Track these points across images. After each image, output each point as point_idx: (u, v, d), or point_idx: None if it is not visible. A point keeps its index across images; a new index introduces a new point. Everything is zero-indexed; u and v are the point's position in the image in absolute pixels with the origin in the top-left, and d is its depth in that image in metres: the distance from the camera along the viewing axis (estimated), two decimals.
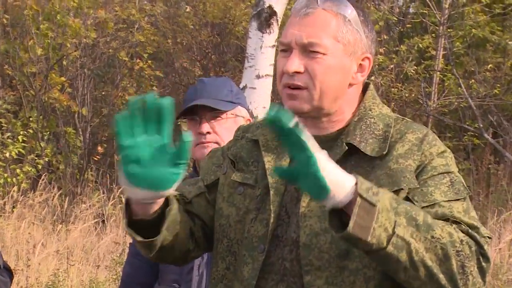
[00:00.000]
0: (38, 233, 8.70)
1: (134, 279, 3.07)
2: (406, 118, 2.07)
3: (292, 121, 1.73)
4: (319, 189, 1.78)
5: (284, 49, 2.01)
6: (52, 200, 9.71)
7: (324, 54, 1.97)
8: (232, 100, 2.91)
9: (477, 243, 1.90)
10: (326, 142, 2.01)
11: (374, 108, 2.05)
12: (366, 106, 2.05)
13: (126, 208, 1.95)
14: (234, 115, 2.90)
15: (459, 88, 11.11)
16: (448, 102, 11.42)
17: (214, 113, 2.86)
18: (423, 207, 1.92)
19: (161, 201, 1.92)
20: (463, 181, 2.00)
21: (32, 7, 11.48)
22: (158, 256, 2.01)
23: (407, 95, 11.38)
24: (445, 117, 11.68)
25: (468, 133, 11.42)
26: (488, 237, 1.94)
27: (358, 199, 1.78)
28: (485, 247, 1.91)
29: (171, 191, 1.86)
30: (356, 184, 1.80)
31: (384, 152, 1.97)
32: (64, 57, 11.80)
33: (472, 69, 11.53)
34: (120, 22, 12.47)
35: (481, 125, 10.99)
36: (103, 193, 10.15)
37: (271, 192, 2.00)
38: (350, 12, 2.01)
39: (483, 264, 1.90)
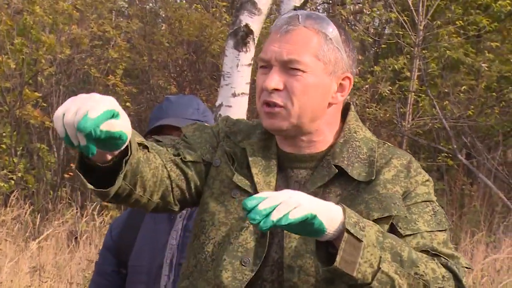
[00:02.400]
0: (10, 249, 8.61)
1: None
2: (388, 143, 2.07)
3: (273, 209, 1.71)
4: (318, 235, 1.79)
5: (263, 66, 1.99)
6: (25, 216, 9.63)
7: (304, 71, 1.96)
8: (198, 119, 2.90)
9: (456, 277, 1.91)
10: (309, 162, 2.01)
11: (358, 131, 2.05)
12: (350, 128, 2.04)
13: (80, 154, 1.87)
14: None
15: (434, 109, 11.17)
16: (422, 123, 11.48)
17: (180, 132, 2.85)
18: (406, 235, 1.93)
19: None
20: (444, 213, 2.01)
21: (6, 22, 11.42)
22: (116, 201, 1.93)
23: (381, 115, 11.42)
24: (419, 137, 11.73)
25: (442, 154, 11.47)
26: (467, 267, 1.95)
27: (346, 234, 1.78)
28: (464, 280, 1.93)
29: (127, 142, 1.79)
30: (344, 217, 1.79)
31: (372, 178, 1.97)
32: (39, 73, 11.75)
33: (446, 90, 11.60)
34: (95, 38, 12.43)
35: (455, 146, 11.04)
36: (76, 209, 10.08)
37: None
38: (332, 30, 1.99)
39: None
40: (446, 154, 11.42)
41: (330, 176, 1.97)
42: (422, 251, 1.92)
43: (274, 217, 1.70)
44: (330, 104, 2.01)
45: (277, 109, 1.97)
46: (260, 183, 2.00)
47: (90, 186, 1.83)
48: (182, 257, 2.77)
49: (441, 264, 1.91)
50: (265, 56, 1.99)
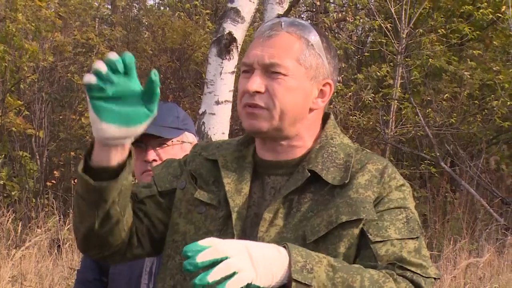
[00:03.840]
0: None
1: None
2: (366, 149, 2.09)
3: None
4: None
5: (246, 70, 2.02)
6: (7, 224, 9.58)
7: (285, 75, 1.98)
8: (178, 126, 2.89)
9: None
10: (286, 168, 2.02)
11: (335, 138, 2.06)
12: (327, 135, 2.06)
13: (86, 154, 1.93)
14: (181, 142, 2.89)
15: (416, 117, 11.21)
16: (405, 131, 11.52)
17: (160, 140, 2.85)
18: (376, 242, 1.93)
19: (127, 149, 1.91)
20: (418, 220, 2.01)
21: None
22: (100, 231, 1.97)
23: (365, 122, 11.46)
24: (402, 145, 11.77)
25: (425, 161, 11.51)
26: (435, 278, 1.95)
27: (293, 283, 1.81)
28: None
29: (142, 128, 1.86)
30: (290, 264, 1.81)
31: (346, 181, 1.98)
32: (22, 80, 11.70)
33: (429, 98, 11.65)
34: (79, 46, 12.41)
35: (438, 154, 11.08)
36: (59, 217, 10.04)
37: (234, 216, 1.99)
38: (314, 37, 2.02)
39: None
40: (429, 162, 11.45)
41: (303, 180, 1.98)
42: (388, 264, 1.92)
43: (211, 278, 1.71)
44: (311, 109, 2.03)
45: (259, 110, 1.99)
46: (230, 191, 2.02)
47: (95, 183, 1.90)
48: None
49: (406, 278, 1.91)
50: (247, 60, 2.02)
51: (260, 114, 1.98)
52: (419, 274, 1.92)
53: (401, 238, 1.94)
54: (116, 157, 1.90)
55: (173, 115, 2.91)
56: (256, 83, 1.98)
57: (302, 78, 2.00)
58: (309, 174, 1.99)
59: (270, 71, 1.98)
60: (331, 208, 1.95)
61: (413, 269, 1.92)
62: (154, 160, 2.83)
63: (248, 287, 1.78)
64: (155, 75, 1.82)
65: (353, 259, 1.95)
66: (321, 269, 1.83)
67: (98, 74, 1.80)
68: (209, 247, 1.73)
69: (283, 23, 2.02)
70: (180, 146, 2.88)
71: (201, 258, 1.72)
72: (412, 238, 1.96)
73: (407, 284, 1.89)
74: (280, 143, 2.03)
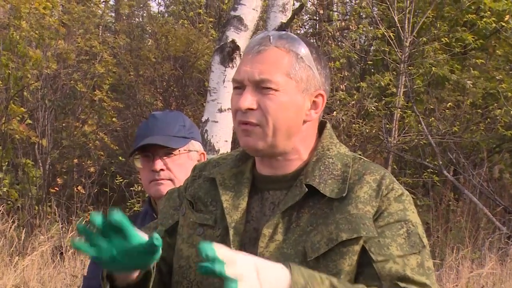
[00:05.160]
0: None
1: None
2: (364, 158, 2.08)
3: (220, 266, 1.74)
4: None
5: (237, 87, 2.02)
6: (9, 231, 9.59)
7: (276, 90, 1.98)
8: (185, 135, 2.91)
9: None
10: (284, 182, 2.02)
11: (332, 148, 2.06)
12: (324, 146, 2.05)
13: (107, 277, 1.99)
14: (187, 150, 2.90)
15: (419, 125, 11.21)
16: (408, 139, 11.52)
17: (167, 149, 2.86)
18: (378, 261, 1.93)
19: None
20: (420, 231, 2.00)
21: None
22: None
23: (368, 131, 11.46)
24: (405, 153, 11.76)
25: (428, 170, 11.50)
26: None
27: None
28: None
29: (151, 264, 1.91)
30: (290, 285, 1.81)
31: (344, 194, 1.98)
32: (25, 88, 11.72)
33: (432, 107, 11.65)
34: (82, 53, 12.42)
35: (441, 162, 11.08)
36: (62, 224, 10.05)
37: (231, 232, 1.99)
38: (303, 49, 2.02)
39: None
40: (432, 170, 11.44)
41: (301, 196, 1.98)
42: (392, 283, 1.93)
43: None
44: (304, 122, 2.03)
45: (252, 127, 1.99)
46: (228, 207, 2.02)
47: None
48: None
49: None
50: (238, 77, 2.02)
51: (253, 131, 1.99)
52: None
53: (403, 255, 1.95)
54: (137, 273, 1.97)
55: (179, 124, 2.92)
56: (248, 100, 1.98)
57: (294, 92, 2.00)
58: (307, 189, 1.99)
59: (261, 87, 1.98)
60: (330, 224, 1.95)
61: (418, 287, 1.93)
62: (162, 170, 2.84)
63: None
64: (157, 239, 1.84)
65: (354, 275, 1.95)
66: None
67: (86, 236, 1.86)
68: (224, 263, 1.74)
69: (271, 37, 2.01)
70: (187, 155, 2.88)
71: (223, 269, 1.74)
72: (414, 253, 1.96)
73: None
74: (277, 158, 2.03)
